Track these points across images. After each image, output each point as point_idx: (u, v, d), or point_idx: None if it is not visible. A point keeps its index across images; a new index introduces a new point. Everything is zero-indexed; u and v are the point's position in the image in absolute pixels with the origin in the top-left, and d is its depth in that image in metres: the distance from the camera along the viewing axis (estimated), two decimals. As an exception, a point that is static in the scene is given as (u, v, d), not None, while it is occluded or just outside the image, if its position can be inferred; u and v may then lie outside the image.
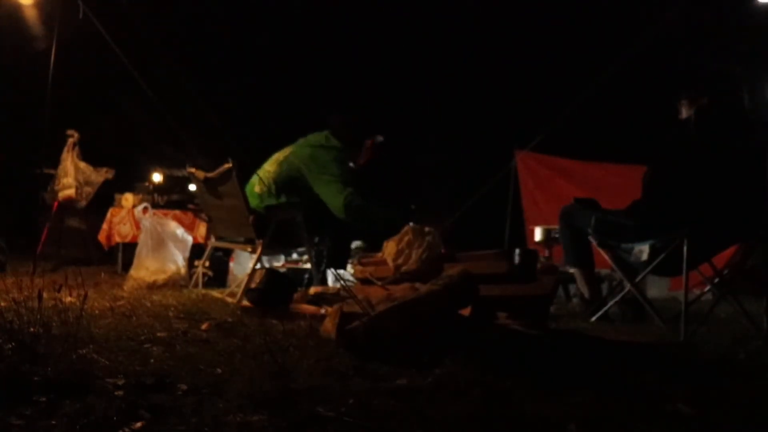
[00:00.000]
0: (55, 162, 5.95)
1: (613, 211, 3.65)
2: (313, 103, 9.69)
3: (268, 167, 4.11)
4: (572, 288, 4.90)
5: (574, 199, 3.87)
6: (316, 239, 4.10)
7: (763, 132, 3.30)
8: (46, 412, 1.44)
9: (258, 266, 3.76)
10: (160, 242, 4.40)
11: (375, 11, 9.88)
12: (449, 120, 10.24)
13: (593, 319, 3.48)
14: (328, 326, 2.38)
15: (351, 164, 4.16)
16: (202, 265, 4.39)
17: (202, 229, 5.77)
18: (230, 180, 3.75)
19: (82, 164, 5.96)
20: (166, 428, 1.38)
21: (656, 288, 5.04)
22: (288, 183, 4.01)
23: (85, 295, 2.21)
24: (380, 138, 4.29)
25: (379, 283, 3.24)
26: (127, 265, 4.79)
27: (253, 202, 3.94)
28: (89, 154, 6.07)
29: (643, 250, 3.42)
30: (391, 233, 3.32)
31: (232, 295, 3.71)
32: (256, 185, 4.07)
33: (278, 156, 4.16)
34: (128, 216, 5.93)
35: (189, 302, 3.51)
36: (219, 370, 1.88)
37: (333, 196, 3.87)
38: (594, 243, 3.62)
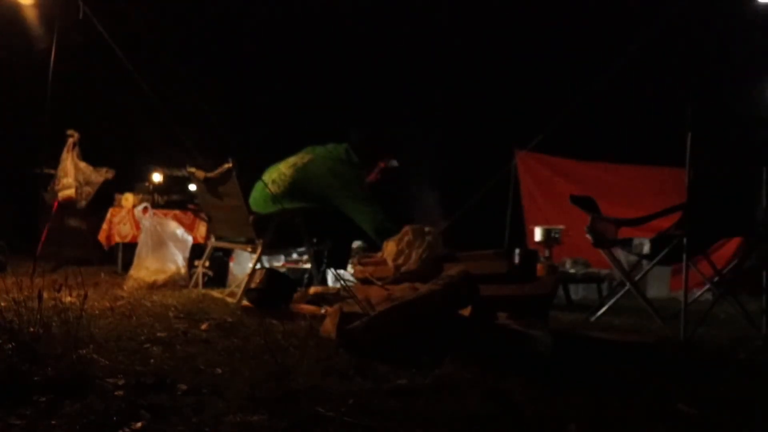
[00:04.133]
0: (55, 162, 5.94)
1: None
2: (312, 102, 9.71)
3: (285, 170, 4.01)
4: (572, 288, 4.91)
5: (570, 197, 3.87)
6: (315, 239, 4.10)
7: (761, 131, 3.31)
8: (46, 412, 1.44)
9: (258, 266, 3.76)
10: (160, 242, 4.40)
11: (375, 10, 9.88)
12: (449, 120, 10.23)
13: (593, 318, 3.49)
14: (328, 326, 2.38)
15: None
16: (202, 265, 4.39)
17: (202, 229, 5.77)
18: (230, 180, 3.74)
19: (82, 164, 5.95)
20: (166, 428, 1.38)
21: (656, 288, 5.05)
22: (303, 190, 3.92)
23: (85, 295, 2.21)
24: (394, 162, 4.21)
25: (379, 283, 3.24)
26: (127, 265, 4.80)
27: (260, 206, 3.87)
28: (89, 154, 6.07)
29: (644, 242, 3.43)
30: None
31: (232, 295, 3.71)
32: (270, 186, 3.93)
33: (296, 161, 4.05)
34: (128, 216, 5.93)
35: (189, 302, 3.51)
36: (219, 370, 1.88)
37: (362, 216, 3.82)
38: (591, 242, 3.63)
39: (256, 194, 3.97)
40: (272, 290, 3.30)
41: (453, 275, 2.39)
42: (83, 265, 5.25)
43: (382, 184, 4.17)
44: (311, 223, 3.93)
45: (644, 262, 3.57)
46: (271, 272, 3.52)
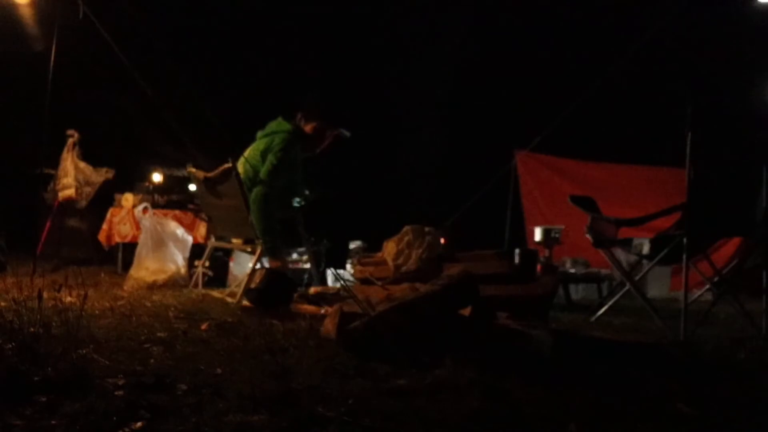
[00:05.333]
0: (55, 162, 5.94)
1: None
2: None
3: (241, 169, 4.08)
4: (572, 288, 4.91)
5: (570, 197, 3.87)
6: (312, 238, 4.10)
7: (761, 130, 3.32)
8: (46, 412, 1.44)
9: (258, 266, 3.76)
10: (160, 242, 4.40)
11: (374, 10, 9.89)
12: (449, 120, 10.23)
13: (593, 318, 3.49)
14: (328, 326, 2.38)
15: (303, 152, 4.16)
16: (202, 265, 4.39)
17: (202, 229, 5.77)
18: (230, 180, 3.75)
19: (82, 164, 5.95)
20: (166, 428, 1.38)
21: (656, 288, 5.05)
22: (253, 179, 4.00)
23: (85, 295, 2.21)
24: (346, 133, 4.29)
25: (379, 283, 3.25)
26: (127, 265, 4.80)
27: None
28: (89, 154, 6.07)
29: (644, 243, 3.43)
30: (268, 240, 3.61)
31: (232, 295, 3.71)
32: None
33: (246, 155, 4.15)
34: (128, 216, 5.93)
35: (189, 302, 3.51)
36: (219, 370, 1.88)
37: (264, 176, 3.91)
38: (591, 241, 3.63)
39: None
40: (272, 290, 3.30)
41: (453, 275, 2.39)
42: (83, 265, 5.24)
43: (334, 151, 4.22)
44: (310, 222, 3.94)
45: (644, 262, 3.57)
46: (271, 272, 3.52)
